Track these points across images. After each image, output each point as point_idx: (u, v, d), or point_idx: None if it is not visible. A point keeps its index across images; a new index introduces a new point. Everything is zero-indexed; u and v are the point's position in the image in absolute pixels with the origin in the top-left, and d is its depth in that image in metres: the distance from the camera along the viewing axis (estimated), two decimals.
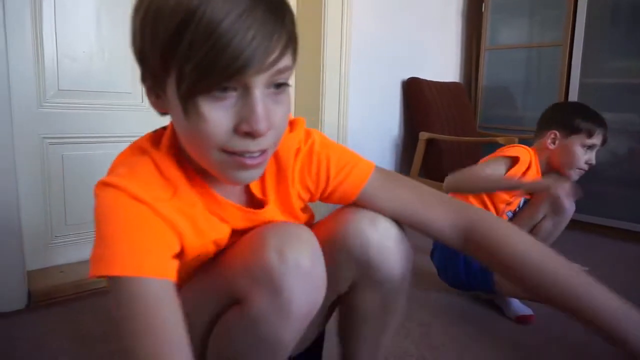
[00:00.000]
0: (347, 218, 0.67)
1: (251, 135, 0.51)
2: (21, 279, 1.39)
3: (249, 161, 0.53)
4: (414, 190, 0.69)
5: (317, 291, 0.59)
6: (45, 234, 1.56)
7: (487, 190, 1.42)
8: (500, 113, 2.88)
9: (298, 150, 0.67)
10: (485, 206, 1.50)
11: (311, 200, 0.72)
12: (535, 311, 1.43)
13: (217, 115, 0.50)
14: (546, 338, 1.34)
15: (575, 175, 1.49)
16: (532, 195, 1.54)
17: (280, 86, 0.53)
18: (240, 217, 0.65)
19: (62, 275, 1.52)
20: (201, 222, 0.61)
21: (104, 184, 0.55)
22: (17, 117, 1.39)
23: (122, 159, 0.60)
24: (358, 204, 0.69)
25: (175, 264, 0.56)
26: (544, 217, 1.50)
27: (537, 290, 0.62)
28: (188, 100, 0.49)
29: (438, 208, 0.67)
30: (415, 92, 2.52)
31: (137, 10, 0.52)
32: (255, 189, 0.67)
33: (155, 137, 0.62)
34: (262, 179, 0.66)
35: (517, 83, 2.83)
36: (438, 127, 2.48)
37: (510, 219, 1.56)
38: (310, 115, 2.18)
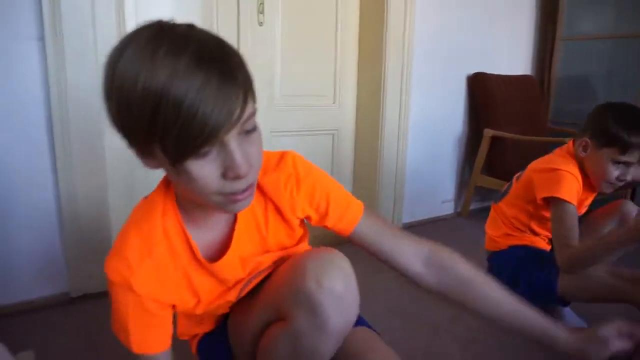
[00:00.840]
0: (300, 271, 0.70)
1: (237, 178, 0.59)
2: None
3: (240, 197, 0.62)
4: (393, 231, 0.82)
5: (349, 311, 0.69)
6: None
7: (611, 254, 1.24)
8: (574, 108, 2.73)
9: (288, 180, 0.76)
10: (534, 231, 1.48)
11: (308, 220, 0.81)
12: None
13: (205, 171, 0.58)
14: None
15: (606, 188, 1.36)
16: (589, 210, 1.48)
17: (250, 131, 0.60)
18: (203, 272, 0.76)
19: None
20: (194, 277, 0.75)
21: (110, 277, 0.70)
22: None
23: (132, 220, 0.73)
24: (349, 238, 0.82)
25: (170, 334, 0.75)
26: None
27: (479, 309, 0.78)
28: (176, 165, 0.57)
29: (407, 242, 0.82)
30: (480, 87, 2.47)
31: (108, 99, 0.58)
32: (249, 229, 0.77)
33: (165, 198, 0.73)
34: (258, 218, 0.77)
35: (594, 76, 2.66)
36: (504, 124, 2.42)
37: None
38: (371, 109, 2.22)
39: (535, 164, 1.43)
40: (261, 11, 1.91)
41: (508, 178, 1.61)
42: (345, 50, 2.21)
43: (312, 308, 0.66)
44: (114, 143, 1.65)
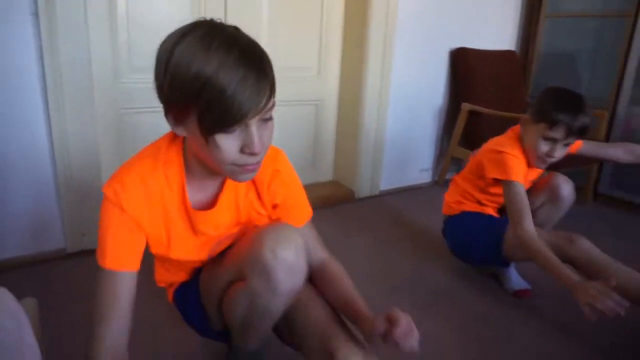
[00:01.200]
0: (259, 241, 0.83)
1: (252, 154, 0.74)
2: None
3: (249, 169, 0.77)
4: (314, 239, 0.99)
5: (298, 277, 0.84)
6: None
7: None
8: (555, 84, 2.80)
9: (275, 173, 0.91)
10: (482, 203, 1.62)
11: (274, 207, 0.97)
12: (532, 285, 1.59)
13: (229, 144, 0.72)
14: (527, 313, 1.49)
15: (538, 164, 1.47)
16: (533, 184, 1.62)
17: (267, 119, 0.74)
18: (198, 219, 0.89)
19: None
20: (174, 222, 0.87)
21: (106, 193, 0.81)
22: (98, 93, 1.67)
23: (138, 157, 0.84)
24: None
25: (139, 258, 0.84)
26: (542, 205, 1.58)
27: (332, 298, 0.93)
28: (208, 136, 0.71)
29: (319, 246, 0.99)
30: (461, 62, 2.55)
31: (163, 75, 0.72)
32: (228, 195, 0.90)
33: (172, 142, 0.85)
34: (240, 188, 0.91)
35: (576, 53, 2.73)
36: (482, 99, 2.51)
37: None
38: (353, 81, 2.31)
39: (487, 144, 1.56)
40: None
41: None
42: (329, 23, 2.28)
43: (266, 274, 0.81)
44: (103, 99, 1.76)
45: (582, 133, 1.39)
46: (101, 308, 0.81)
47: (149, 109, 1.86)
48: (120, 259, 0.82)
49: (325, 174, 2.55)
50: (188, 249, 0.92)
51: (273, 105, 0.74)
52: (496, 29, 2.78)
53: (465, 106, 2.47)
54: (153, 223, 0.85)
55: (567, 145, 1.42)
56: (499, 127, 2.50)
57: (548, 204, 1.57)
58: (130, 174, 0.82)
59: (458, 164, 2.76)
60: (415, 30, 2.38)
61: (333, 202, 2.35)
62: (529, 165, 1.50)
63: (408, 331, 0.76)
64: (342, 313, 0.91)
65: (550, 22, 2.79)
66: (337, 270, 0.97)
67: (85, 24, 1.53)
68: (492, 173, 1.47)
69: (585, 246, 1.37)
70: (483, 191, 1.60)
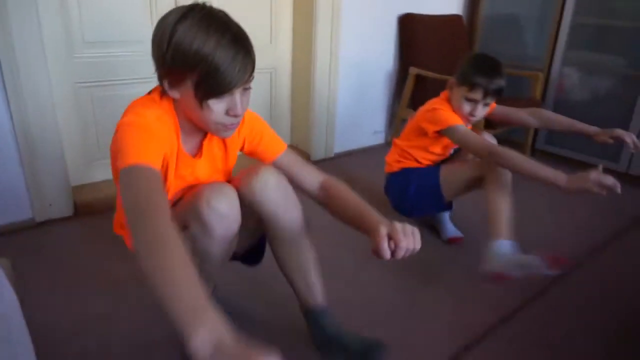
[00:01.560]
0: (248, 176, 1.05)
1: (234, 116, 0.93)
2: (68, 192, 1.84)
3: (231, 127, 0.96)
4: (302, 164, 1.16)
5: (231, 225, 1.00)
6: (83, 157, 1.98)
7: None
8: (497, 46, 2.98)
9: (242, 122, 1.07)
10: (418, 161, 1.79)
11: (241, 149, 1.15)
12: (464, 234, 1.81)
13: (218, 107, 0.91)
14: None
15: (464, 122, 1.61)
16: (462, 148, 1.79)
17: (247, 89, 0.94)
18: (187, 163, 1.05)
19: (96, 189, 1.97)
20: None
21: (126, 119, 0.90)
22: (52, 68, 1.74)
23: (140, 104, 0.96)
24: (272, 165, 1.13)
25: (160, 161, 0.89)
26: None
27: (345, 216, 1.05)
28: (202, 101, 0.89)
29: (310, 171, 1.14)
30: (408, 27, 2.67)
31: (165, 49, 0.86)
32: (208, 145, 1.07)
33: (162, 99, 0.97)
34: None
35: (516, 17, 2.89)
36: (429, 63, 2.66)
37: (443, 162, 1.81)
38: (304, 49, 2.42)
39: (422, 107, 1.73)
40: None
41: None
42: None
43: (201, 221, 0.97)
44: (58, 74, 1.82)
45: (498, 94, 1.57)
46: (140, 203, 0.74)
47: (103, 82, 1.94)
48: (147, 154, 0.83)
49: (283, 139, 2.66)
50: (168, 187, 1.05)
51: (253, 78, 0.93)
52: None
53: (413, 70, 2.62)
54: (161, 149, 0.92)
55: (486, 105, 1.60)
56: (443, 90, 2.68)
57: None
58: (146, 111, 0.93)
59: None
60: None
61: None
62: None
63: (409, 242, 0.86)
64: (356, 228, 0.99)
65: None
66: (341, 189, 1.10)
67: (35, 6, 1.58)
68: (433, 128, 1.62)
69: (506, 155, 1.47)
70: (423, 149, 1.75)
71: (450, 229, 1.83)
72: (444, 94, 1.72)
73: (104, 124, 1.99)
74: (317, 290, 1.17)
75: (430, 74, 2.58)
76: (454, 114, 1.63)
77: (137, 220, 0.71)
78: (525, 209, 1.81)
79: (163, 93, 0.96)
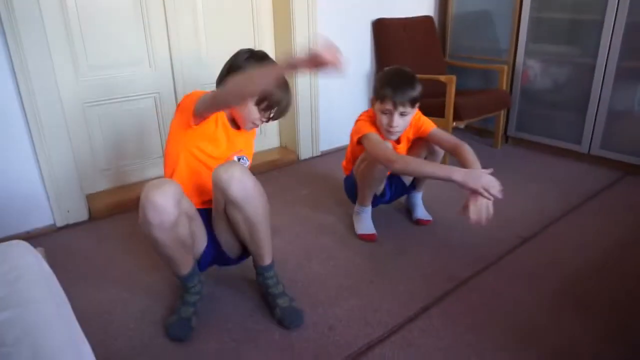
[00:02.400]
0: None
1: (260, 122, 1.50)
2: (83, 199, 2.10)
3: (257, 124, 1.51)
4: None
5: (165, 215, 1.21)
6: (92, 168, 2.24)
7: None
8: (467, 43, 3.20)
9: None
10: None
11: None
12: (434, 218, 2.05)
13: (257, 114, 1.47)
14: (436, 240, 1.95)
15: (387, 135, 1.73)
16: (414, 140, 1.94)
17: None
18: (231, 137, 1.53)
19: (107, 196, 2.23)
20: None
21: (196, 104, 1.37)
22: (62, 90, 2.00)
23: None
24: None
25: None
26: (426, 156, 1.91)
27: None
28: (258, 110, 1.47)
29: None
30: (380, 31, 2.91)
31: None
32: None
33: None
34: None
35: (480, 15, 3.10)
36: (402, 62, 2.87)
37: None
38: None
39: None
40: None
41: None
42: (260, 10, 2.60)
43: (141, 210, 1.22)
44: (68, 95, 2.08)
45: (411, 104, 1.68)
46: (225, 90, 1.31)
47: (106, 101, 2.20)
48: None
49: (273, 141, 2.93)
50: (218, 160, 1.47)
51: None
52: None
53: None
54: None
55: (402, 115, 1.68)
56: None
57: (429, 155, 1.90)
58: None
59: None
60: (337, 6, 2.72)
61: (280, 165, 2.75)
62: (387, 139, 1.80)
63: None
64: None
65: None
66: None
67: (46, 40, 1.83)
68: (354, 138, 1.79)
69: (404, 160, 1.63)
70: (357, 155, 1.87)
71: (420, 212, 2.07)
72: (371, 109, 1.84)
73: (109, 137, 2.24)
74: (265, 252, 1.46)
75: None
76: (370, 124, 1.76)
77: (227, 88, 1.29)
78: None
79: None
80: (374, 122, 1.78)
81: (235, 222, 1.38)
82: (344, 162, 2.07)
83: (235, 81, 1.26)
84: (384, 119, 1.72)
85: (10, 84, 1.81)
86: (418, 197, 2.10)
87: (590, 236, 1.93)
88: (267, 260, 1.47)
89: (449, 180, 1.52)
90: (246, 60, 1.44)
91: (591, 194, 2.33)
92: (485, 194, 1.49)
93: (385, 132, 1.75)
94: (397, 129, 1.72)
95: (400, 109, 1.67)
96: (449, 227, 2.01)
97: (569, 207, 2.18)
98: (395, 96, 1.65)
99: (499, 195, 1.50)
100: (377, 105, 1.72)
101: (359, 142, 1.77)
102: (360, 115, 1.85)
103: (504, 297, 1.56)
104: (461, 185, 1.50)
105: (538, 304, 1.52)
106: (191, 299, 1.45)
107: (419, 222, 2.04)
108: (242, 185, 1.29)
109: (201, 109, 1.33)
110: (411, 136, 1.89)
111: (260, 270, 1.50)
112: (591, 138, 2.66)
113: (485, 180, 1.49)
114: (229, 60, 1.49)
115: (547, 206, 2.20)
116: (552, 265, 1.73)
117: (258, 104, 1.43)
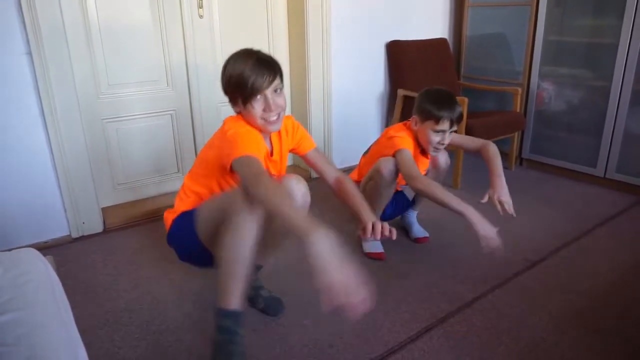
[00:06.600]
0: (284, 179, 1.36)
1: (269, 112, 1.34)
2: (98, 212, 2.17)
3: (272, 121, 1.37)
4: (325, 160, 1.63)
5: (305, 198, 1.37)
6: (109, 182, 2.32)
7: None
8: (481, 65, 3.22)
9: (292, 127, 1.57)
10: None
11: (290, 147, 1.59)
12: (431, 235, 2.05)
13: (257, 105, 1.34)
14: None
15: (433, 152, 1.82)
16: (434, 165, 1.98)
17: (277, 91, 1.36)
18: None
19: (121, 210, 2.30)
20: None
21: (230, 130, 1.35)
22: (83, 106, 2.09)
23: (233, 121, 1.41)
24: (304, 158, 1.62)
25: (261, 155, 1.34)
26: (428, 171, 1.97)
27: (347, 204, 1.54)
28: (246, 104, 1.34)
29: (330, 168, 1.60)
30: (395, 53, 2.95)
31: (225, 81, 1.36)
32: (275, 144, 1.51)
33: (239, 117, 1.42)
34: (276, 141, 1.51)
35: (494, 38, 3.13)
36: (416, 84, 2.91)
37: None
38: (300, 81, 2.72)
39: (383, 133, 1.94)
40: (200, 6, 2.35)
41: None
42: (276, 33, 2.68)
43: (291, 191, 1.31)
44: (88, 111, 2.17)
45: (459, 121, 1.78)
46: (254, 171, 1.19)
47: (123, 117, 2.28)
48: (254, 150, 1.28)
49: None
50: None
51: (279, 84, 1.36)
52: (429, 20, 3.18)
53: (400, 92, 2.88)
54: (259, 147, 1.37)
55: (452, 132, 1.80)
56: None
57: (432, 171, 1.97)
58: (243, 125, 1.38)
59: None
60: (353, 28, 2.78)
61: None
62: (423, 153, 1.87)
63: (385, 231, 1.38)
64: (352, 214, 1.51)
65: (472, 11, 3.19)
66: (350, 186, 1.55)
67: (69, 59, 1.93)
68: (390, 151, 1.82)
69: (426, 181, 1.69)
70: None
71: (417, 230, 2.08)
72: (402, 125, 1.89)
73: (126, 152, 2.32)
74: (268, 256, 1.59)
75: (416, 94, 2.83)
76: (406, 140, 1.79)
77: (257, 180, 1.15)
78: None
79: (238, 113, 1.40)
80: (414, 137, 1.85)
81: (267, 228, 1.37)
82: (353, 175, 2.05)
83: (269, 198, 1.12)
84: (436, 137, 1.78)
85: (34, 102, 1.90)
86: (413, 215, 2.12)
87: (602, 261, 1.90)
88: (264, 262, 1.60)
89: (460, 215, 1.57)
90: (226, 63, 1.40)
91: (605, 218, 2.29)
92: (483, 243, 1.53)
93: (433, 149, 1.82)
94: (444, 147, 1.82)
95: (454, 127, 1.78)
96: (452, 245, 2.00)
97: (581, 231, 2.15)
98: (453, 115, 1.75)
99: (497, 248, 1.53)
100: (428, 126, 1.77)
101: (394, 155, 1.79)
102: (398, 130, 1.85)
103: (509, 319, 1.54)
104: (471, 225, 1.54)
105: (543, 328, 1.50)
106: (238, 349, 1.27)
107: (417, 241, 2.04)
108: (304, 199, 1.38)
109: (236, 173, 1.28)
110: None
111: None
112: (607, 161, 2.63)
113: (486, 232, 1.52)
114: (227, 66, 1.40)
115: (559, 230, 2.17)
116: (560, 289, 1.70)
117: (243, 98, 1.37)
